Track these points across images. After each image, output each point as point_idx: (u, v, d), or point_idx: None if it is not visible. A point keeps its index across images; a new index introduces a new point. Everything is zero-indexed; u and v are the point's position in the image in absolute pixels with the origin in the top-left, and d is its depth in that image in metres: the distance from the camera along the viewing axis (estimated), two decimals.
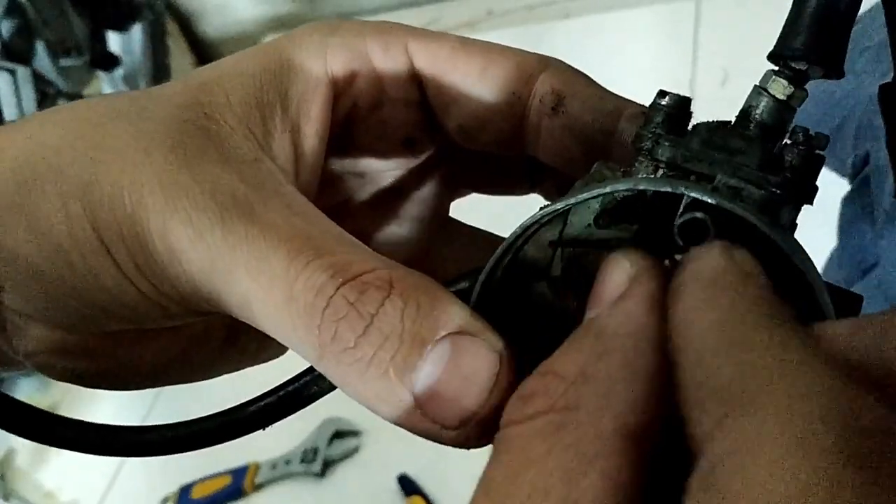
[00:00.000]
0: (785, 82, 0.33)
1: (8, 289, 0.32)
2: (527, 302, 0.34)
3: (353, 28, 0.37)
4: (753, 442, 0.20)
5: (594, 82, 0.37)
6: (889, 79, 0.72)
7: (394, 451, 1.29)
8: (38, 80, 1.54)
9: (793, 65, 0.33)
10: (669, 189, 0.30)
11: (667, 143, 0.33)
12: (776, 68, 0.33)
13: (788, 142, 0.33)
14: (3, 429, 0.36)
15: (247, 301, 0.30)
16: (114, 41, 1.75)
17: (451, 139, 0.40)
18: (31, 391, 1.60)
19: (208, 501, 1.38)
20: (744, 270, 0.26)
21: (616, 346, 0.26)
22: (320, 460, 1.33)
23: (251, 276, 0.30)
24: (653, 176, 0.33)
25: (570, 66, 0.38)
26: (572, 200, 0.31)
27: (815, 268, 0.30)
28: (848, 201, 0.77)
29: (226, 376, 0.41)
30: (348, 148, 0.40)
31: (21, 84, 1.49)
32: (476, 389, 0.29)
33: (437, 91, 0.38)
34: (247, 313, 0.31)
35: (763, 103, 0.33)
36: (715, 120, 0.34)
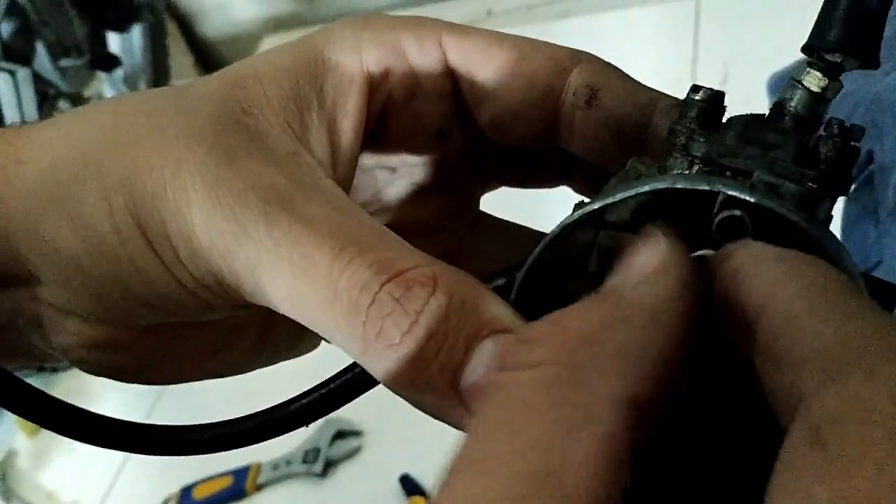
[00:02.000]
0: (819, 74, 0.33)
1: (47, 282, 0.32)
2: (562, 299, 0.34)
3: (386, 23, 0.38)
4: (867, 404, 0.20)
5: (627, 75, 0.38)
6: (891, 78, 0.72)
7: (396, 451, 1.29)
8: (39, 80, 1.53)
9: (827, 57, 0.33)
10: (707, 187, 0.30)
11: (701, 139, 0.33)
12: (810, 60, 0.33)
13: (823, 134, 0.32)
14: (49, 429, 0.36)
15: (291, 296, 0.31)
16: (114, 42, 1.75)
17: (483, 133, 0.40)
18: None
19: (210, 502, 1.38)
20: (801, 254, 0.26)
21: (638, 317, 0.25)
22: (322, 461, 1.32)
23: (295, 273, 0.30)
24: (688, 172, 0.33)
25: (602, 60, 0.38)
26: (609, 200, 0.31)
27: (855, 265, 0.30)
28: (851, 200, 0.76)
29: (230, 379, 0.41)
30: (381, 142, 0.41)
31: (21, 85, 1.48)
32: None
33: (470, 85, 0.38)
34: (290, 308, 0.31)
35: (797, 96, 0.33)
36: (749, 113, 0.34)
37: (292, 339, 0.41)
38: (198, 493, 1.39)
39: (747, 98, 0.34)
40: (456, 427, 0.30)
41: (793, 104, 0.33)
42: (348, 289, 0.30)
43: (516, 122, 0.38)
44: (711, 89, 0.34)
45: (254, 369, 0.41)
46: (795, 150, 0.32)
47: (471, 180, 0.45)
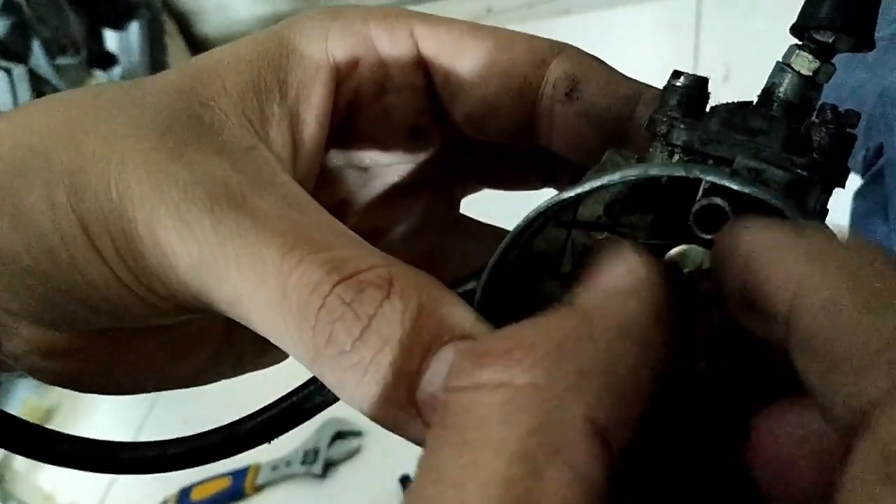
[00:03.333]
0: (810, 56, 0.31)
1: None
2: (535, 301, 0.33)
3: (355, 13, 0.36)
4: None
5: (610, 67, 0.36)
6: None
7: (395, 452, 1.28)
8: (35, 78, 1.52)
9: (817, 36, 0.31)
10: (683, 173, 0.28)
11: (682, 126, 0.31)
12: (800, 42, 0.32)
13: (815, 120, 0.31)
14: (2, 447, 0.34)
15: (238, 298, 0.29)
16: (111, 39, 1.74)
17: (459, 130, 0.38)
18: (28, 394, 1.59)
19: (208, 503, 1.37)
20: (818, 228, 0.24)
21: (604, 335, 0.23)
22: (321, 461, 1.32)
23: (242, 272, 0.28)
24: (668, 161, 0.31)
25: (584, 52, 0.36)
26: (579, 190, 0.29)
27: None
28: (860, 196, 0.75)
29: (226, 385, 0.40)
30: (351, 139, 0.39)
31: (17, 83, 1.47)
32: None
33: (444, 77, 0.36)
34: (238, 311, 0.29)
35: (786, 80, 0.31)
36: (735, 101, 0.32)
37: (257, 348, 0.39)
38: (196, 495, 1.38)
39: (750, 95, 0.32)
40: (415, 443, 0.28)
41: (782, 90, 0.31)
42: (298, 289, 0.28)
43: (493, 117, 0.36)
44: (694, 75, 0.32)
45: (219, 379, 0.39)
46: (784, 136, 0.30)
47: (449, 181, 0.43)
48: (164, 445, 0.34)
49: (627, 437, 0.22)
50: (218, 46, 0.35)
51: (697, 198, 0.29)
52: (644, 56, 1.64)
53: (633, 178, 0.29)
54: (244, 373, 0.40)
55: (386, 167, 0.41)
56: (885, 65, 0.74)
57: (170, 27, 2.06)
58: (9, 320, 0.32)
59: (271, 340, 0.29)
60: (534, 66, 0.35)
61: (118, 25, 1.73)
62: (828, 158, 0.30)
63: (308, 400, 0.33)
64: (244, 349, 0.39)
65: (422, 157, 0.41)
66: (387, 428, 0.28)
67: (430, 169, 0.41)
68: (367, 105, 0.37)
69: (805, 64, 0.31)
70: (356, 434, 1.33)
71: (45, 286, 0.30)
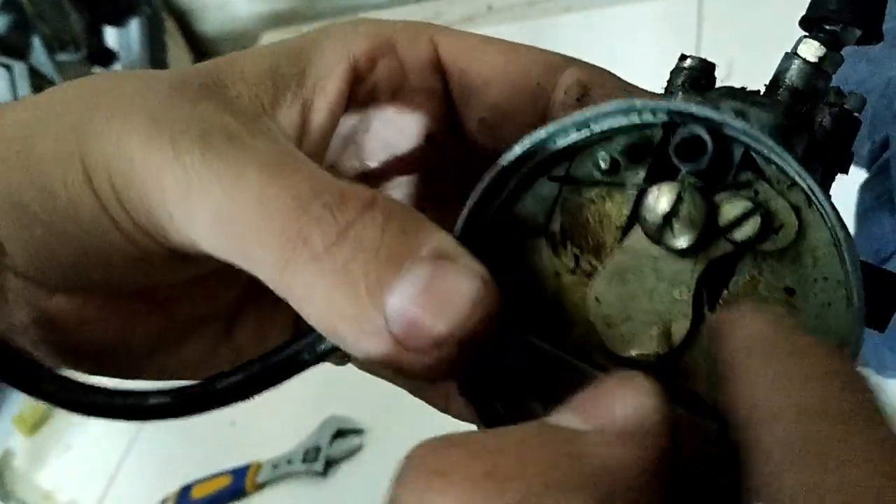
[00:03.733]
0: (816, 44, 0.31)
1: (7, 245, 0.31)
2: (522, 261, 0.33)
3: (381, 21, 0.37)
4: None
5: (620, 78, 0.37)
6: None
7: (398, 449, 1.26)
8: (35, 75, 1.52)
9: (826, 27, 0.31)
10: (659, 106, 0.29)
11: (681, 94, 0.32)
12: (808, 34, 0.32)
13: (821, 104, 0.31)
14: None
15: (217, 219, 0.29)
16: (111, 36, 1.74)
17: (473, 141, 0.39)
18: (25, 401, 1.58)
19: (209, 502, 1.36)
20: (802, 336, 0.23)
21: (591, 492, 0.20)
22: (322, 459, 1.31)
23: (225, 190, 0.28)
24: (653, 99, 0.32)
25: (596, 66, 0.37)
26: (560, 124, 0.30)
27: (844, 225, 0.28)
28: (865, 189, 0.75)
29: None
30: (367, 143, 0.40)
31: (17, 79, 1.47)
32: (455, 310, 0.27)
33: (460, 81, 0.37)
34: (215, 235, 0.29)
35: (793, 67, 0.31)
36: (743, 87, 0.32)
37: (258, 338, 0.39)
38: (196, 493, 1.37)
39: None
40: (378, 362, 0.27)
41: (788, 77, 0.31)
42: (277, 198, 0.28)
43: (505, 122, 0.37)
44: (701, 58, 0.32)
45: (217, 371, 0.38)
46: (783, 111, 0.30)
47: (463, 195, 0.43)
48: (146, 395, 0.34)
49: None
50: (217, 45, 0.38)
51: (678, 131, 0.29)
52: (645, 55, 1.63)
53: (615, 109, 0.29)
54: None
55: (402, 179, 0.41)
56: (889, 59, 0.74)
57: (169, 25, 2.05)
58: (20, 285, 0.32)
59: (243, 266, 0.29)
60: (547, 74, 0.36)
61: (118, 22, 1.72)
62: (830, 140, 0.30)
63: (297, 356, 0.33)
64: (243, 339, 0.39)
65: (437, 168, 0.41)
66: (349, 348, 0.28)
67: (445, 181, 0.42)
68: (384, 107, 0.38)
69: (811, 51, 0.31)
70: (357, 432, 1.33)
71: (44, 228, 0.31)
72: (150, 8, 1.79)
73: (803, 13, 0.32)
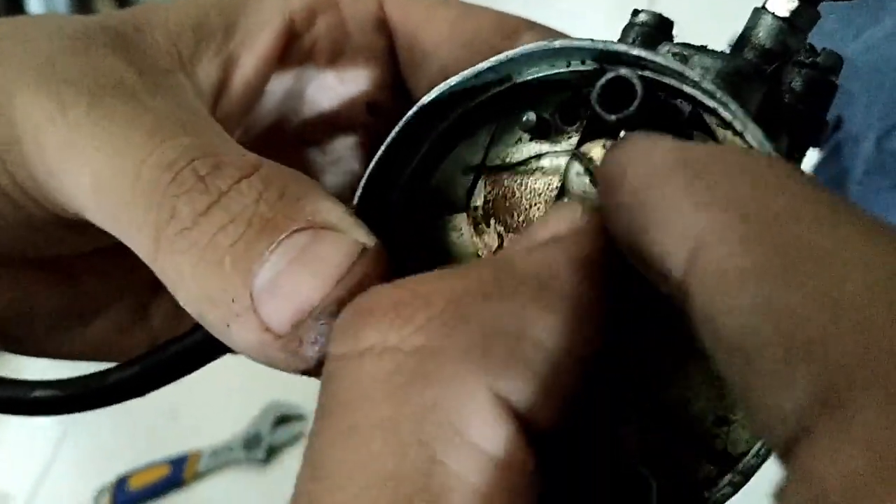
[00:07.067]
0: None
1: None
2: (439, 239, 0.29)
3: None
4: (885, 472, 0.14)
5: None
6: (861, 41, 0.68)
7: None
8: None
9: None
10: (589, 44, 0.25)
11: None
12: None
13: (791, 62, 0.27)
14: None
15: (95, 185, 0.26)
16: (34, 4, 1.66)
17: None
18: None
19: (147, 493, 1.32)
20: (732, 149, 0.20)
21: (519, 289, 0.19)
22: (264, 447, 1.28)
23: (105, 154, 0.25)
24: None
25: (548, 28, 0.35)
26: (472, 70, 0.26)
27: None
28: (818, 169, 0.73)
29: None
30: (302, 109, 0.36)
31: None
32: (318, 278, 0.23)
33: (407, 43, 0.34)
34: (92, 202, 0.26)
35: (762, 23, 0.28)
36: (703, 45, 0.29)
37: (173, 322, 0.36)
38: (133, 484, 1.33)
39: None
40: (248, 353, 0.24)
41: (756, 34, 0.27)
42: (152, 167, 0.25)
43: None
44: (656, 13, 0.29)
45: (132, 355, 0.34)
46: (740, 62, 0.26)
47: None
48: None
49: (549, 415, 0.18)
50: None
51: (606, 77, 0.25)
52: (597, 23, 1.61)
53: (534, 51, 0.25)
54: None
55: (346, 150, 0.38)
56: (843, 33, 0.71)
57: None
58: None
59: (122, 239, 0.26)
60: (502, 37, 0.33)
61: None
62: (800, 104, 0.26)
63: (199, 346, 0.29)
64: (158, 327, 0.36)
65: (380, 139, 0.38)
66: (218, 332, 0.24)
67: None
68: (323, 69, 0.35)
69: (782, 3, 0.27)
70: (299, 418, 1.29)
71: None
72: None
73: None
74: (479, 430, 0.18)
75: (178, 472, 1.31)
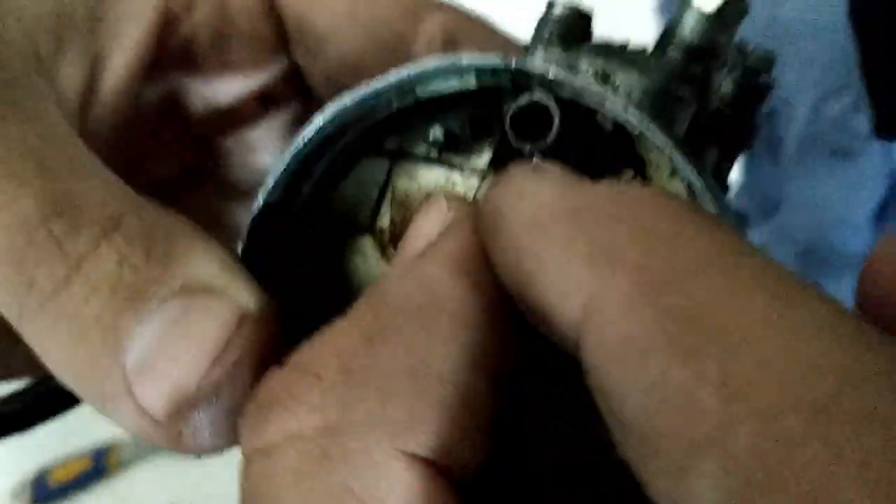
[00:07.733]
0: None
1: None
2: (341, 263, 0.26)
3: None
4: None
5: (490, 25, 0.32)
6: (795, 2, 0.66)
7: None
8: None
9: None
10: (494, 63, 0.22)
11: (541, 50, 0.26)
12: None
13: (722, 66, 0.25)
14: None
15: None
16: None
17: (320, 102, 0.32)
18: None
19: (69, 487, 1.27)
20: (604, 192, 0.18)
21: (408, 322, 0.18)
22: None
23: None
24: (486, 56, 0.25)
25: (462, 9, 0.31)
26: (371, 87, 0.23)
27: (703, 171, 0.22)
28: None
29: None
30: (188, 107, 0.33)
31: None
32: (192, 356, 0.21)
33: (299, 28, 0.31)
34: None
35: (687, 18, 0.25)
36: (626, 41, 0.26)
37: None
38: (54, 478, 1.28)
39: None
40: (128, 430, 0.23)
41: (681, 30, 0.25)
42: (5, 226, 0.22)
43: (356, 78, 0.31)
44: (573, 5, 0.26)
45: (17, 378, 0.32)
46: (667, 73, 0.24)
47: None
48: None
49: (471, 450, 0.17)
50: None
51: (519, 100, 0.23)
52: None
53: (437, 69, 0.23)
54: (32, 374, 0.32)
55: (231, 144, 0.35)
56: None
57: None
58: None
59: None
60: (405, 21, 0.31)
61: None
62: (730, 110, 0.25)
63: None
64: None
65: (275, 132, 0.34)
66: (97, 407, 0.23)
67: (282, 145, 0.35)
68: (205, 60, 0.31)
69: None
70: None
71: None
72: None
73: None
74: (396, 499, 0.17)
75: (100, 464, 1.27)
